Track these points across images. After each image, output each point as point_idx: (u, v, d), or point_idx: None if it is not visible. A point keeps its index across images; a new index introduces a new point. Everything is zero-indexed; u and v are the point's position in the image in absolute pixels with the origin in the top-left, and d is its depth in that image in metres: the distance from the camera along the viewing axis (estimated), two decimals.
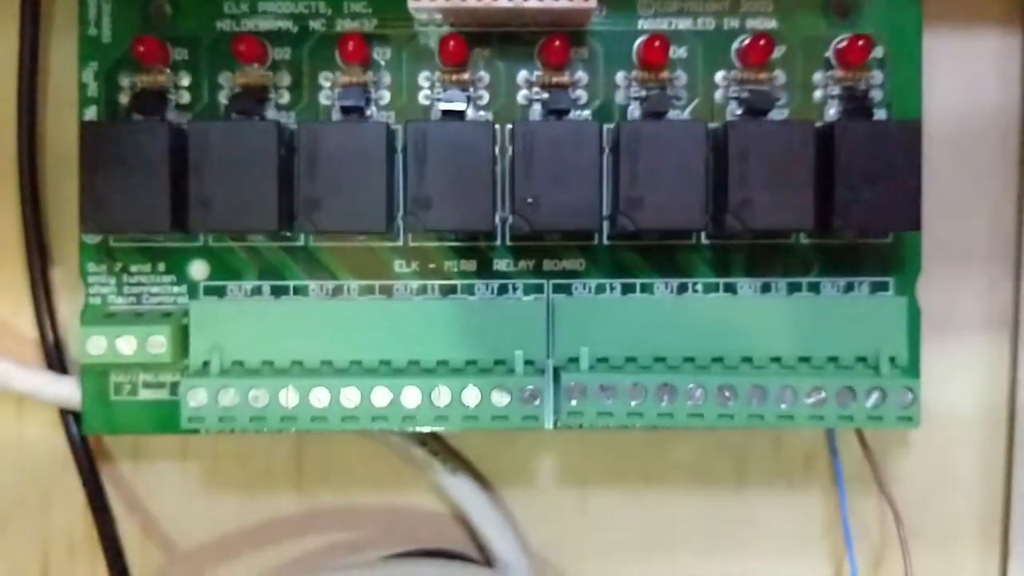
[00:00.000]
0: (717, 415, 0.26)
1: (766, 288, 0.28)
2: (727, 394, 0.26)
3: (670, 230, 0.26)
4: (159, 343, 0.27)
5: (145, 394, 0.28)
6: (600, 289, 0.28)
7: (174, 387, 0.28)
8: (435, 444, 0.29)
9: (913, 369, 0.28)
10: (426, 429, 0.28)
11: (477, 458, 0.30)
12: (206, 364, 0.27)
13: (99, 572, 0.29)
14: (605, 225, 0.28)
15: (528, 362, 0.27)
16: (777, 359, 0.27)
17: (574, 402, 0.26)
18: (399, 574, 0.27)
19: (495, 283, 0.28)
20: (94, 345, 0.27)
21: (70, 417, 0.29)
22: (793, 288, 0.28)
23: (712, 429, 0.29)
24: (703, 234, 0.28)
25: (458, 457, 0.30)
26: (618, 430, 0.30)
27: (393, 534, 0.30)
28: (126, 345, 0.27)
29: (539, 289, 0.28)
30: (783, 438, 0.30)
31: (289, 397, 0.26)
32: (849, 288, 0.28)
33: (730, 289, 0.28)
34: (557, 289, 0.28)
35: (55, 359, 0.29)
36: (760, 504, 0.30)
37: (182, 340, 0.27)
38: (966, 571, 0.30)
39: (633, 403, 0.26)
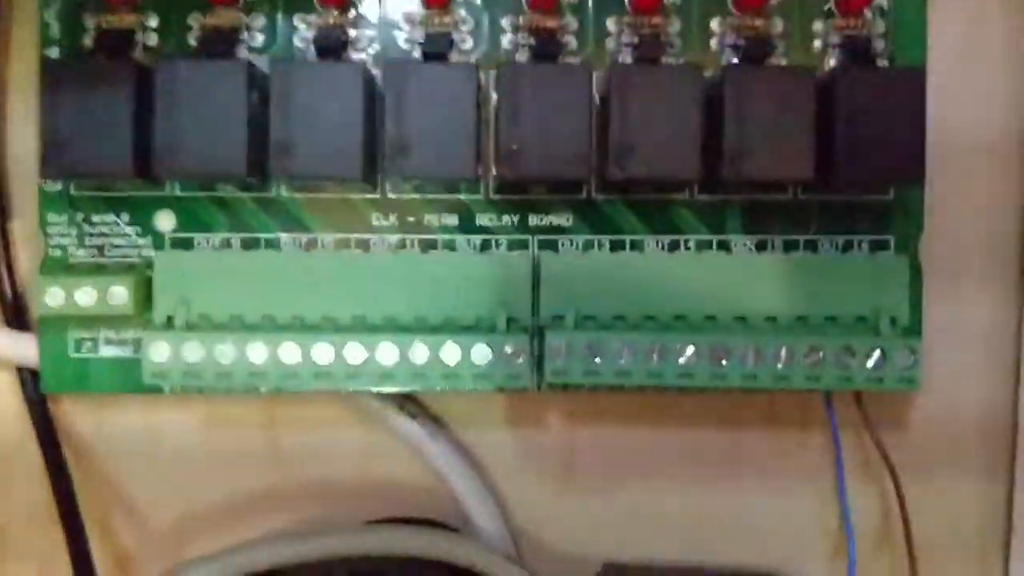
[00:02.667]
0: (709, 375, 0.25)
1: (761, 246, 0.27)
2: (720, 354, 0.25)
3: (662, 181, 0.25)
4: (120, 295, 0.25)
5: (107, 351, 0.27)
6: (588, 246, 0.27)
7: (138, 344, 0.27)
8: (413, 407, 0.28)
9: (915, 330, 0.26)
10: (403, 390, 0.26)
11: (457, 424, 0.28)
12: (170, 319, 0.25)
13: (60, 545, 0.28)
14: (594, 178, 0.26)
15: (511, 320, 0.26)
16: (773, 319, 0.26)
17: (559, 361, 0.25)
18: (377, 539, 0.26)
19: (477, 238, 0.27)
20: (52, 296, 0.25)
21: (27, 375, 0.27)
22: (790, 246, 0.27)
23: (703, 399, 0.28)
24: (696, 188, 0.27)
25: (438, 422, 0.28)
26: (606, 396, 0.28)
27: (371, 505, 0.28)
28: (85, 297, 0.25)
29: (524, 245, 0.27)
30: (777, 406, 0.28)
31: (258, 353, 0.25)
32: (848, 247, 0.27)
33: (724, 247, 0.27)
34: (543, 245, 0.27)
35: (14, 316, 0.28)
36: (754, 490, 0.29)
37: (146, 293, 0.26)
38: (971, 536, 0.29)
39: (621, 362, 0.25)
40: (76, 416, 0.28)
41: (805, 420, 0.28)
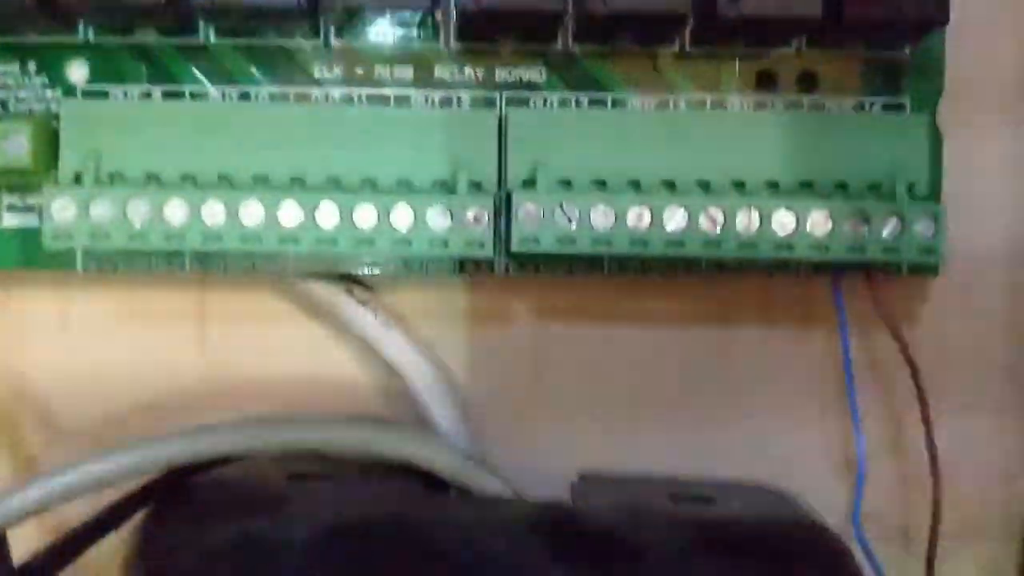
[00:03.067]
0: (702, 243, 0.22)
1: (761, 106, 0.23)
2: (715, 218, 0.22)
3: (647, 16, 0.22)
4: (19, 144, 0.22)
5: (9, 220, 0.23)
6: (564, 104, 0.23)
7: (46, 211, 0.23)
8: (363, 292, 0.24)
9: (935, 199, 0.23)
10: (347, 259, 0.23)
11: (413, 319, 0.25)
12: (79, 176, 0.22)
13: None
14: (572, 19, 0.23)
15: (474, 183, 0.22)
16: (775, 184, 0.23)
17: (529, 226, 0.22)
18: (335, 433, 0.22)
19: (436, 94, 0.23)
20: None
21: None
22: (792, 107, 0.23)
23: (691, 290, 0.25)
24: (688, 38, 0.23)
25: (391, 312, 0.25)
26: (581, 286, 0.25)
27: (314, 406, 0.25)
28: None
29: (490, 104, 0.23)
30: (776, 298, 0.25)
31: (177, 212, 0.21)
32: (860, 109, 0.23)
33: (718, 107, 0.23)
34: (511, 102, 0.23)
35: None
36: (748, 394, 0.25)
37: (50, 147, 0.22)
38: (989, 430, 0.25)
39: (600, 228, 0.22)
40: None
41: (808, 314, 0.25)
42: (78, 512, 0.22)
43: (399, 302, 0.25)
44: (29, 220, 0.23)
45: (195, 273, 0.23)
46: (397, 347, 0.24)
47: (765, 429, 0.25)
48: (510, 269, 0.23)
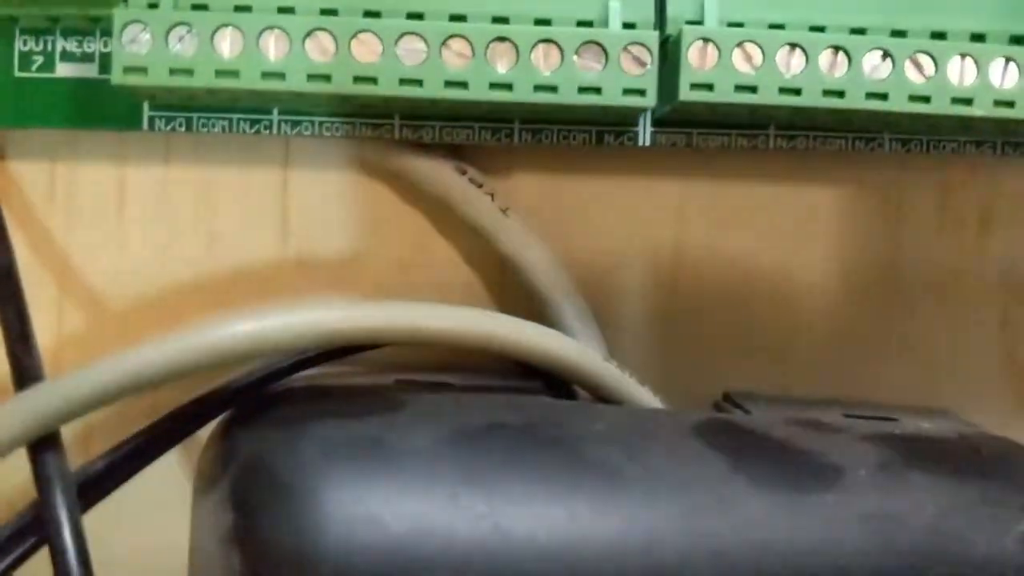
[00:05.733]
0: (908, 95, 0.18)
1: None
2: (922, 65, 0.18)
3: None
4: None
5: (64, 70, 0.19)
6: None
7: (106, 60, 0.19)
8: (474, 170, 0.20)
9: None
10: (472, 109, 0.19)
11: (536, 201, 0.21)
12: (153, 3, 0.18)
13: None
14: None
15: (628, 25, 0.19)
16: (980, 36, 0.19)
17: (700, 69, 0.18)
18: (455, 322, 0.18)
19: None
20: None
21: None
22: None
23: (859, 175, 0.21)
24: None
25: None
26: (726, 152, 0.21)
27: (405, 293, 0.21)
28: None
29: None
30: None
31: (274, 43, 0.18)
32: None
33: None
34: None
35: None
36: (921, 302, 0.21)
37: None
38: None
39: (787, 74, 0.18)
40: (21, 165, 0.21)
41: (985, 220, 0.21)
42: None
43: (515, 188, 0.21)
44: (87, 70, 0.19)
45: (280, 139, 0.20)
46: (515, 235, 0.20)
47: (937, 338, 0.21)
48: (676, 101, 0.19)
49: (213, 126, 0.19)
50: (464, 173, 0.20)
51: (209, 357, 0.17)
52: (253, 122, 0.19)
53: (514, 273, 0.20)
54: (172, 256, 0.21)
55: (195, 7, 0.18)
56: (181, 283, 0.21)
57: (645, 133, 0.20)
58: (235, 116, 0.19)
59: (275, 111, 0.19)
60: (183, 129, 0.19)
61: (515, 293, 0.21)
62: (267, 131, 0.19)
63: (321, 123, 0.19)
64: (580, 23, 0.18)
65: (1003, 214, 0.21)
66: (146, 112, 0.19)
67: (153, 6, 0.18)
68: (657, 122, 0.20)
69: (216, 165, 0.21)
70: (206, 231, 0.21)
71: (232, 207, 0.21)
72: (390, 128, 0.19)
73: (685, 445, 0.17)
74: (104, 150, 0.20)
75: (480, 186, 0.20)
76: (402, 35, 0.18)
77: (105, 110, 0.19)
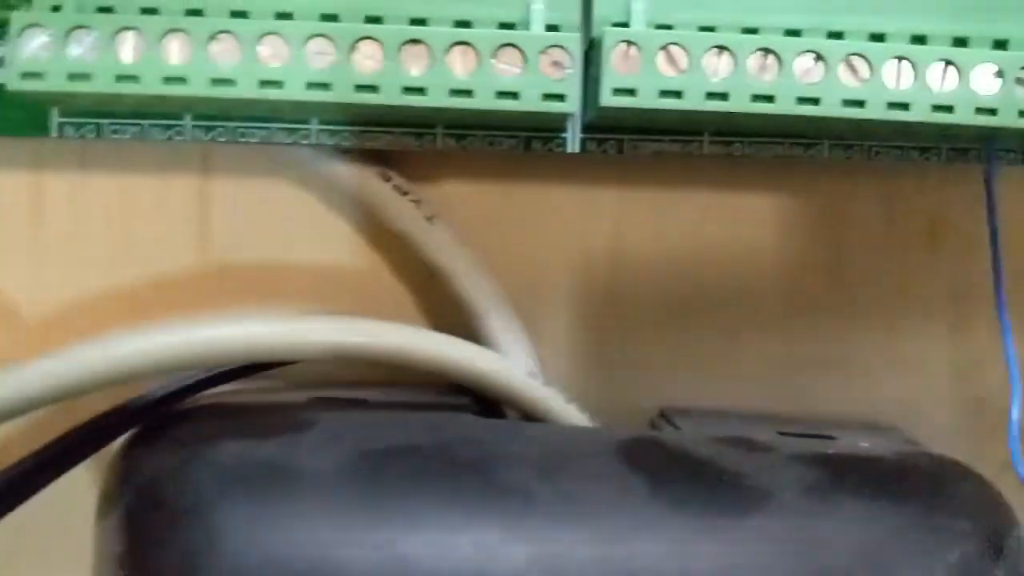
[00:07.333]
0: (842, 100, 0.17)
1: None
2: (857, 68, 0.17)
3: None
4: None
5: None
6: None
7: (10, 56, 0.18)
8: (399, 178, 0.20)
9: None
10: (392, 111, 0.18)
11: (465, 208, 0.20)
12: (57, 5, 0.17)
13: None
14: None
15: (551, 27, 0.18)
16: (921, 39, 0.18)
17: (622, 73, 0.17)
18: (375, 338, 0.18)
19: None
20: None
21: None
22: None
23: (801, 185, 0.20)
24: None
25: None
26: (661, 158, 0.20)
27: (329, 303, 0.20)
28: None
29: None
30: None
31: (179, 48, 0.17)
32: None
33: None
34: None
35: None
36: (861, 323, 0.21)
37: None
38: None
39: (713, 78, 0.17)
40: None
41: (933, 231, 0.21)
42: None
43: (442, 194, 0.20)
44: None
45: (197, 144, 0.19)
46: (444, 244, 0.20)
47: (880, 353, 0.21)
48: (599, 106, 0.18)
49: (124, 133, 0.19)
50: (388, 180, 0.20)
51: (108, 374, 0.16)
52: (165, 127, 0.19)
53: (441, 283, 0.20)
54: (88, 265, 0.20)
55: (100, 10, 0.17)
56: (96, 293, 0.20)
57: (574, 139, 0.19)
58: (146, 123, 0.19)
59: (187, 117, 0.19)
60: (93, 136, 0.19)
61: (443, 304, 0.20)
62: (180, 137, 0.19)
63: (236, 128, 0.19)
64: (502, 25, 0.18)
65: (951, 224, 0.20)
66: (55, 119, 0.19)
67: (56, 9, 0.17)
68: (587, 128, 0.19)
69: (133, 172, 0.20)
70: (124, 239, 0.20)
71: (150, 214, 0.20)
72: (306, 134, 0.19)
73: (605, 466, 0.16)
74: (19, 157, 0.20)
75: (405, 193, 0.20)
76: (311, 37, 0.17)
77: (11, 117, 0.18)
